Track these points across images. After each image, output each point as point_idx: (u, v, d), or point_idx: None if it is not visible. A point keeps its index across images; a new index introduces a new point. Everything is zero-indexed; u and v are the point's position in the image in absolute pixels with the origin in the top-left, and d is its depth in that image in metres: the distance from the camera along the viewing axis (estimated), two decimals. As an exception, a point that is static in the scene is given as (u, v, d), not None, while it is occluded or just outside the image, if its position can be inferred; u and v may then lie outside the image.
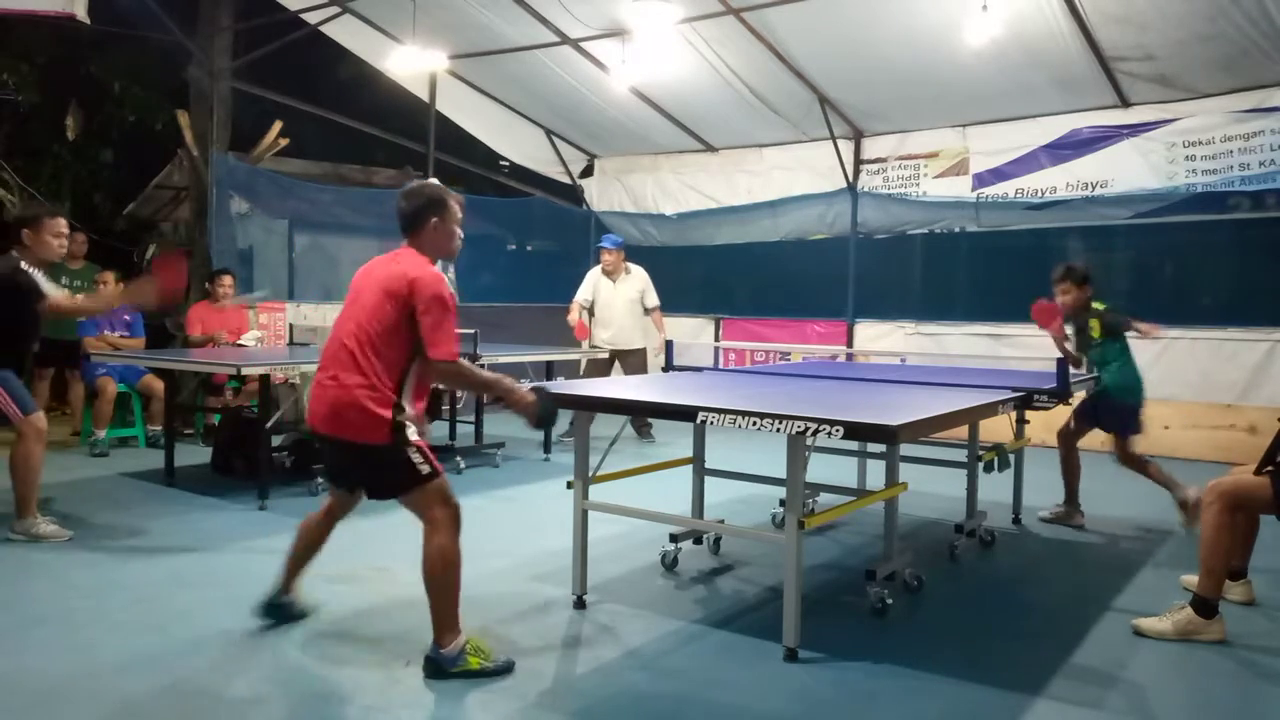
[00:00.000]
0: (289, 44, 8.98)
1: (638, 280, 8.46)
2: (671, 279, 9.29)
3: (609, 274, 8.43)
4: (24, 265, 4.78)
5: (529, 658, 3.35)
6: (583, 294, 8.54)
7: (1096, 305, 5.58)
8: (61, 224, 4.94)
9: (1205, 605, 3.62)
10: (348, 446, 3.18)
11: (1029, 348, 8.20)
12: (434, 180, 3.35)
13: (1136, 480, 6.03)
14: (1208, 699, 3.20)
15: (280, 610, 3.57)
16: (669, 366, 5.37)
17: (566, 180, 11.86)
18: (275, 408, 5.78)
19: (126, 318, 7.73)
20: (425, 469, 3.16)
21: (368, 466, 3.22)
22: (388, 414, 3.11)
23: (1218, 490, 3.69)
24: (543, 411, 3.33)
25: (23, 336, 4.96)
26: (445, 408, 7.90)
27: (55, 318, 5.03)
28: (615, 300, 8.42)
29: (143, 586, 4.05)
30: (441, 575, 3.15)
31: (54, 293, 4.90)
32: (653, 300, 8.48)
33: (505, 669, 3.20)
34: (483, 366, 6.97)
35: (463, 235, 3.41)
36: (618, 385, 4.53)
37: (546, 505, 5.75)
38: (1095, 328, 5.50)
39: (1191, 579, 3.88)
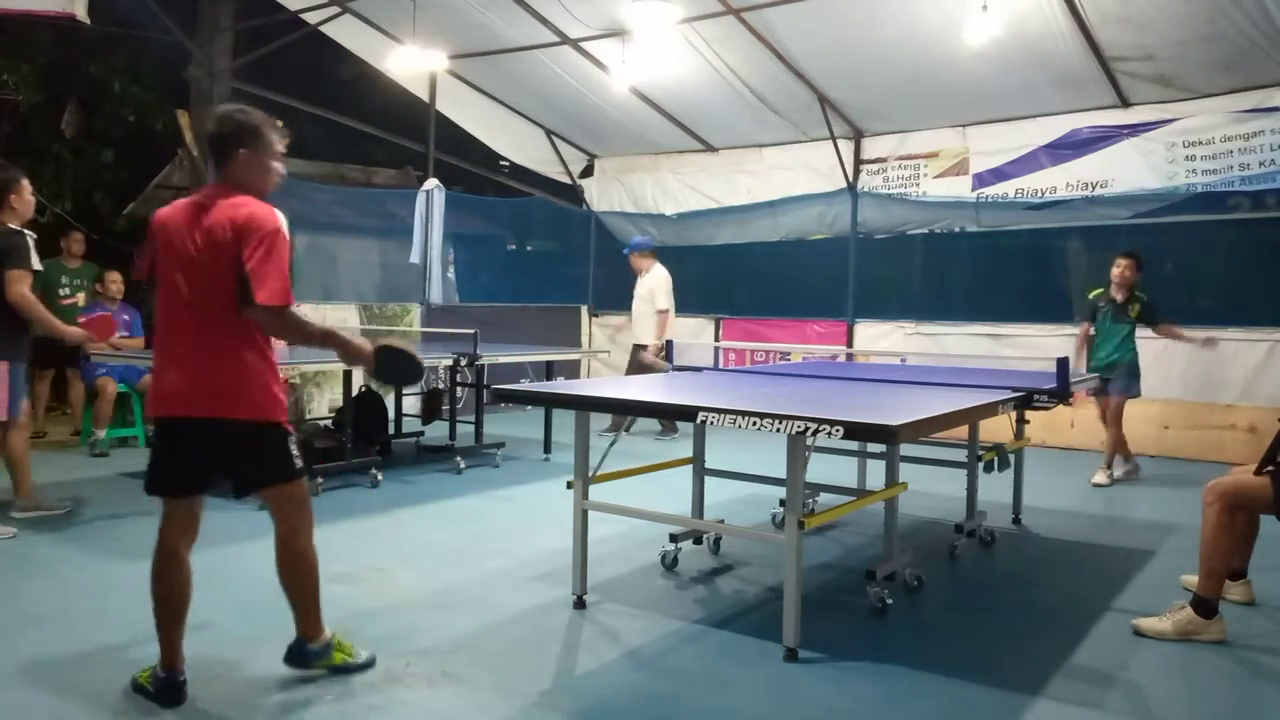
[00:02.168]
0: (289, 44, 8.99)
1: (649, 280, 8.82)
2: (672, 279, 9.32)
3: (637, 274, 8.96)
4: (13, 227, 4.79)
5: (529, 658, 3.35)
6: None
7: (1141, 294, 6.77)
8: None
9: (1205, 605, 3.62)
10: (220, 429, 2.79)
11: (1029, 348, 8.21)
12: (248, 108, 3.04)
13: (1133, 480, 6.05)
14: (1208, 699, 3.20)
15: (178, 691, 2.91)
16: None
17: (566, 180, 11.87)
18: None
19: (125, 317, 7.73)
20: (299, 461, 2.93)
21: (242, 451, 2.86)
22: (278, 383, 2.86)
23: (1218, 490, 3.69)
24: (381, 365, 3.01)
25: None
26: (445, 408, 7.90)
27: (16, 301, 4.77)
28: (635, 299, 8.93)
29: (141, 586, 4.02)
30: (307, 578, 3.02)
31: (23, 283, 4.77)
32: (660, 303, 8.74)
33: (368, 664, 3.16)
34: (482, 368, 7.02)
35: (283, 171, 3.08)
36: (618, 385, 4.53)
37: (546, 505, 5.75)
38: (1135, 311, 6.74)
39: (1191, 579, 3.88)
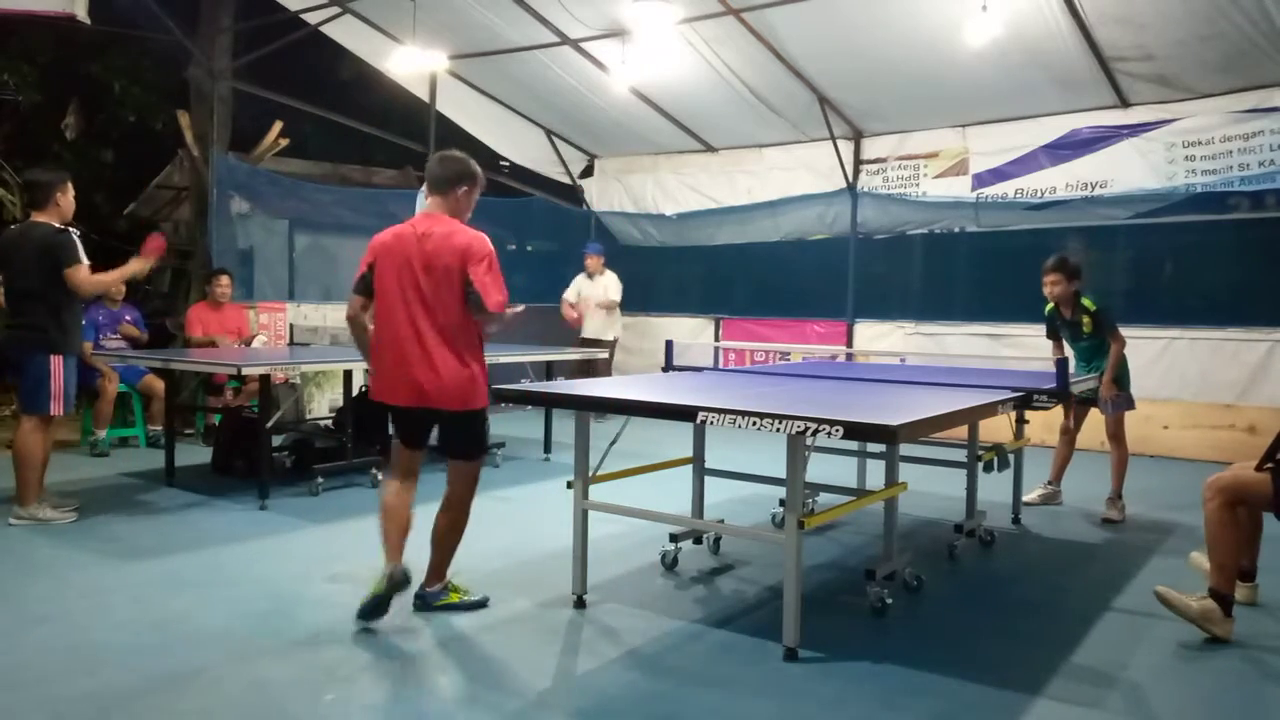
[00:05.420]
0: (289, 44, 8.98)
1: (604, 280, 9.81)
2: (671, 279, 9.35)
3: (589, 275, 9.87)
4: (58, 226, 5.10)
5: (529, 658, 3.35)
6: (569, 292, 10.08)
7: (1086, 303, 5.79)
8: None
9: (1221, 600, 3.61)
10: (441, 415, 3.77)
11: (1029, 348, 8.21)
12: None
13: (1134, 479, 6.03)
14: (1208, 699, 3.20)
15: (406, 578, 3.69)
16: (669, 366, 5.36)
17: (566, 180, 11.86)
18: (275, 408, 5.78)
19: (128, 317, 7.74)
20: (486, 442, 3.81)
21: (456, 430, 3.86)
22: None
23: (1217, 485, 3.68)
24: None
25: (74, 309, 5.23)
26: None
27: (87, 291, 5.22)
28: (591, 298, 9.79)
29: (142, 586, 4.06)
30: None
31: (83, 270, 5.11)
32: (614, 296, 9.75)
33: (481, 603, 3.85)
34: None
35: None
36: (618, 385, 4.52)
37: (546, 505, 5.74)
38: (1087, 324, 5.77)
39: (1201, 557, 3.86)
